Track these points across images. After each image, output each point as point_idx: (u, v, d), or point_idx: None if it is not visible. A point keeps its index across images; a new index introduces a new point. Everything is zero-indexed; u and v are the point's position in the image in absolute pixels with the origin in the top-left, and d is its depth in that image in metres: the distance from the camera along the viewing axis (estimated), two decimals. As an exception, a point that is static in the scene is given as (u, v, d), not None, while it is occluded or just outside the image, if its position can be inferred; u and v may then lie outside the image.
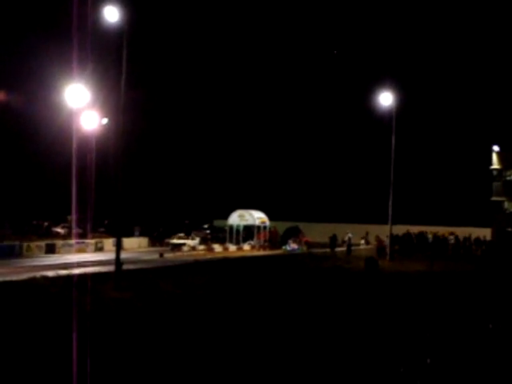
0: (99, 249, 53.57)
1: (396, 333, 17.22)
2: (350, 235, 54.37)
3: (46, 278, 28.16)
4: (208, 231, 71.25)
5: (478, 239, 57.32)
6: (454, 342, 16.07)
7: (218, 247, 58.33)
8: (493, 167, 70.10)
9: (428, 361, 13.72)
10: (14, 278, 28.12)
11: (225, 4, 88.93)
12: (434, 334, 16.88)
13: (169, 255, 49.41)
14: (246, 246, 61.01)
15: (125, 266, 28.17)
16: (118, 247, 28.00)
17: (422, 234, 57.68)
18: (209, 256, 49.59)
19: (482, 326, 18.43)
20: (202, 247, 57.90)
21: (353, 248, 53.71)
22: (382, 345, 15.72)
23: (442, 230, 58.96)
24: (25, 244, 48.38)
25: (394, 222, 48.90)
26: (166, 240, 60.26)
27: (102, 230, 63.44)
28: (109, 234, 56.76)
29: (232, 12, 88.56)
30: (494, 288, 28.73)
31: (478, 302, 23.51)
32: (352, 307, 21.89)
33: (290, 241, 60.80)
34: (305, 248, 59.22)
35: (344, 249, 53.55)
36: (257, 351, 14.93)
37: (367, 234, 63.12)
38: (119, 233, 30.10)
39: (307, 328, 17.79)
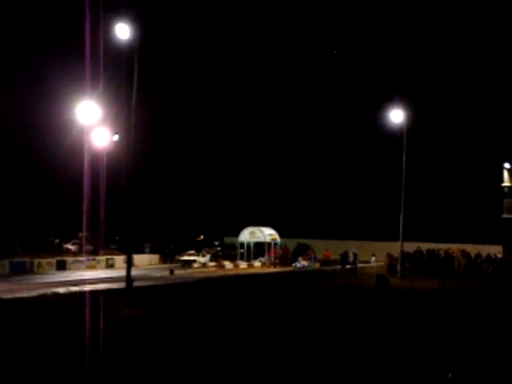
0: (110, 265, 53.58)
1: (409, 352, 17.11)
2: (355, 252, 54.10)
3: (56, 294, 28.19)
4: (219, 248, 71.17)
5: (489, 257, 57.00)
6: (466, 363, 15.93)
7: (228, 264, 58.22)
8: (504, 184, 69.87)
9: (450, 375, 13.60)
10: (25, 294, 28.13)
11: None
12: (447, 355, 16.76)
13: (179, 272, 49.33)
14: (257, 263, 60.84)
15: (136, 283, 28.10)
16: (129, 264, 27.97)
17: (433, 252, 57.37)
18: (219, 273, 49.59)
19: (495, 347, 18.22)
20: (212, 264, 57.84)
21: (362, 265, 53.50)
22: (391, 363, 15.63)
23: (452, 248, 58.64)
24: (35, 261, 48.39)
25: (405, 239, 48.71)
26: (177, 257, 60.20)
27: (113, 246, 63.44)
28: (120, 251, 56.77)
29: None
30: (506, 307, 28.50)
31: (490, 322, 23.30)
32: (363, 325, 21.77)
33: (300, 258, 60.71)
34: (316, 265, 59.16)
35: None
36: (264, 370, 14.86)
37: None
38: (130, 250, 30.06)
39: (317, 347, 17.69)
